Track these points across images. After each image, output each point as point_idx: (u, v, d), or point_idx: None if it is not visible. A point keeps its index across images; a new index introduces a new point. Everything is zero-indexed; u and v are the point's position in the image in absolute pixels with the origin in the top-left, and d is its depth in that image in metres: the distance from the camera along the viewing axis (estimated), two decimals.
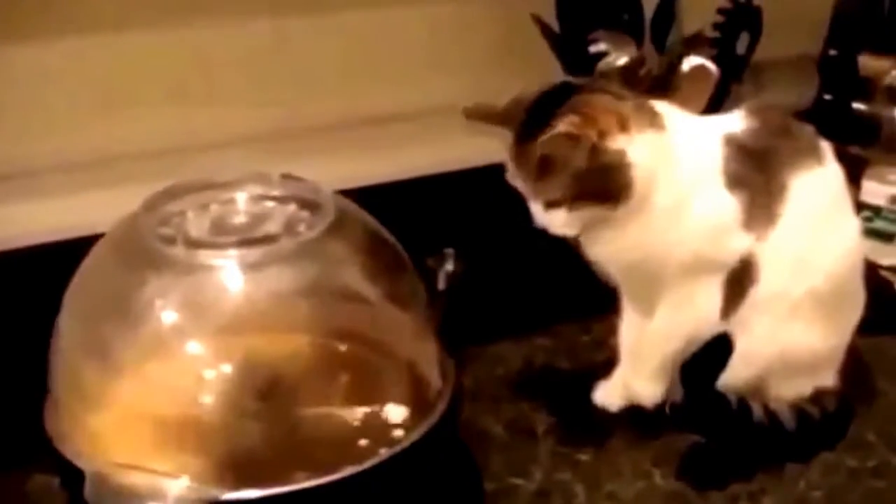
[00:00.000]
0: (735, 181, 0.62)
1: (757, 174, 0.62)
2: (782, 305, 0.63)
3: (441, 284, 0.66)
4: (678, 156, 0.61)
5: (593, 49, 0.80)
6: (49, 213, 0.77)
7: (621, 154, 0.59)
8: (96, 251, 0.61)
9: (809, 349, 0.65)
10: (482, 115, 0.63)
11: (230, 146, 0.81)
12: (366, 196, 0.68)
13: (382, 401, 0.59)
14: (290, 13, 0.82)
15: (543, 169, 0.60)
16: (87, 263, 0.60)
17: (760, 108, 0.65)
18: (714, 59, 0.83)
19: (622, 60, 0.81)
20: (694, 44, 0.82)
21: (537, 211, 0.62)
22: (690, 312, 0.64)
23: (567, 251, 0.87)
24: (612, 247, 0.63)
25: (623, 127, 0.59)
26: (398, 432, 0.57)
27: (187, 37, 0.79)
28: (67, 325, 0.59)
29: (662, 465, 0.64)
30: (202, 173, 0.64)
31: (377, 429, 0.57)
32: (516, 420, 0.69)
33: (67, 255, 0.61)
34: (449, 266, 0.67)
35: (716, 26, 0.85)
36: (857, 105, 0.94)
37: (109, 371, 0.58)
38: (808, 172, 0.63)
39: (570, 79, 0.63)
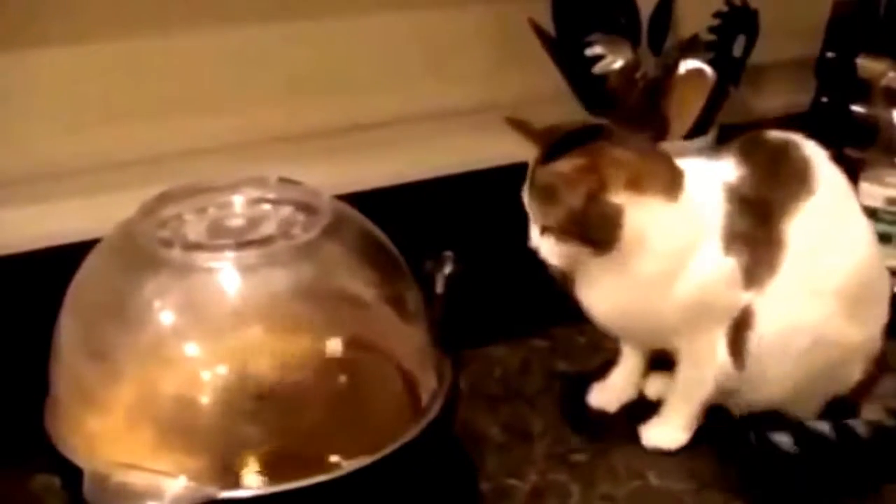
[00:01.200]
0: (735, 242, 0.62)
1: (757, 229, 0.62)
2: (794, 338, 0.63)
3: (439, 287, 0.66)
4: (681, 226, 0.61)
5: (589, 52, 0.81)
6: (48, 218, 0.77)
7: (618, 209, 0.60)
8: (95, 254, 0.61)
9: (834, 365, 0.65)
10: (522, 129, 0.65)
11: (228, 151, 0.81)
12: (365, 200, 0.68)
13: (378, 402, 0.60)
14: (287, 19, 0.83)
15: (546, 195, 0.62)
16: (87, 266, 0.61)
17: (751, 145, 0.65)
18: (710, 63, 0.84)
19: (618, 64, 0.81)
20: (690, 47, 0.82)
21: (534, 233, 0.64)
22: (713, 363, 0.64)
23: None
24: (601, 301, 0.65)
25: (633, 185, 0.60)
26: (393, 434, 0.57)
27: (184, 42, 0.80)
28: (67, 327, 0.59)
29: (657, 465, 0.65)
30: (200, 178, 0.64)
31: (373, 430, 0.57)
32: (512, 421, 0.69)
33: (67, 258, 0.61)
34: (447, 269, 0.67)
35: (712, 29, 0.85)
36: (854, 107, 0.94)
37: (108, 372, 0.58)
38: (802, 211, 0.63)
39: (605, 124, 0.63)
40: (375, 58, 0.87)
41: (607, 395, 0.71)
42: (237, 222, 0.61)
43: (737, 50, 0.85)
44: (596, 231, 0.61)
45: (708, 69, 0.84)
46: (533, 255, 0.86)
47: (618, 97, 0.82)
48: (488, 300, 0.80)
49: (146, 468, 0.52)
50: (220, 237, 0.59)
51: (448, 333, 0.64)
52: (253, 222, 0.61)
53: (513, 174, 0.92)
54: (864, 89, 0.90)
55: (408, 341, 0.63)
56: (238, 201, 0.63)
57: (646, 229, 0.61)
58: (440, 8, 0.87)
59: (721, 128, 0.84)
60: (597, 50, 0.81)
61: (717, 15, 0.85)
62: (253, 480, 0.54)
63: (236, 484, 0.53)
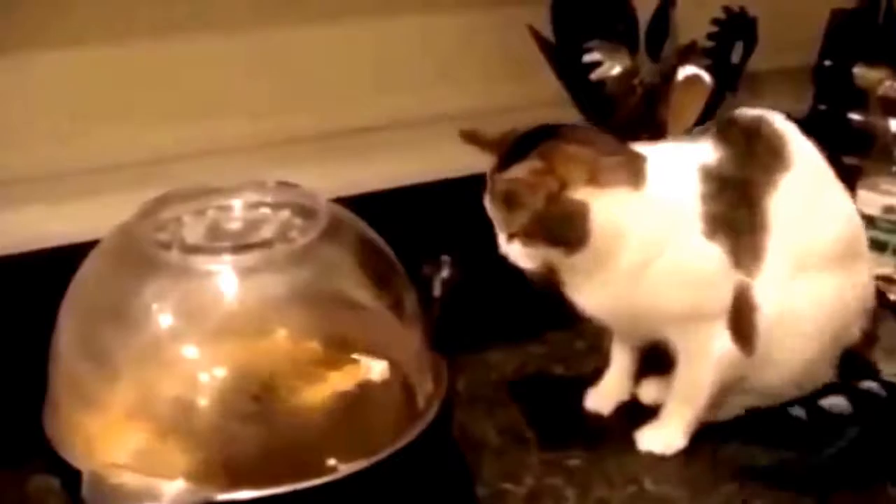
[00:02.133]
0: (716, 225, 0.61)
1: (738, 210, 0.62)
2: (797, 311, 0.63)
3: (436, 291, 0.67)
4: (653, 212, 0.61)
5: (587, 58, 0.81)
6: (47, 219, 0.78)
7: (583, 206, 0.60)
8: (94, 256, 0.62)
9: (838, 326, 0.65)
10: (475, 140, 0.65)
11: (227, 154, 0.82)
12: (363, 203, 0.68)
13: (375, 404, 0.60)
14: (287, 23, 0.83)
15: (508, 202, 0.62)
16: (85, 268, 0.61)
17: (726, 125, 0.65)
18: (708, 69, 0.84)
19: (616, 70, 0.81)
20: (688, 53, 0.83)
21: (501, 240, 0.64)
22: (711, 358, 0.64)
23: None
24: (592, 298, 0.64)
25: (592, 180, 0.60)
26: (390, 438, 0.57)
27: (184, 45, 0.80)
28: (66, 328, 0.60)
29: (653, 471, 0.65)
30: (199, 180, 0.65)
31: (369, 433, 0.58)
32: (509, 426, 0.69)
33: (66, 260, 0.62)
34: (444, 273, 0.67)
35: (710, 36, 0.85)
36: (851, 115, 0.94)
37: (107, 373, 0.59)
38: (780, 187, 0.63)
39: (555, 124, 0.63)
40: (374, 62, 0.87)
41: (601, 397, 0.71)
42: (236, 225, 0.62)
43: (735, 57, 0.85)
44: (563, 231, 0.60)
45: (706, 76, 0.84)
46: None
47: (615, 103, 0.82)
48: (485, 304, 0.80)
49: (144, 470, 0.53)
50: (218, 240, 0.60)
51: (445, 337, 0.64)
52: (251, 225, 0.62)
53: None
54: (861, 97, 0.91)
55: (405, 345, 0.63)
56: (237, 205, 0.64)
57: (615, 222, 0.60)
58: (439, 13, 0.87)
59: None
60: (595, 56, 0.81)
61: (715, 22, 0.85)
62: (249, 482, 0.54)
63: (233, 486, 0.53)
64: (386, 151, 0.88)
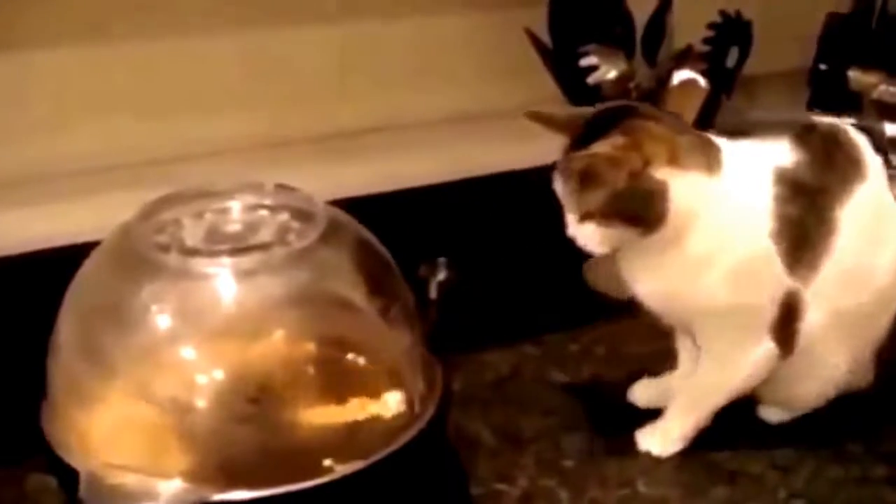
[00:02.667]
0: (784, 227, 0.61)
1: (809, 215, 0.62)
2: (837, 328, 0.64)
3: (433, 293, 0.67)
4: (726, 201, 0.61)
5: (584, 62, 0.81)
6: (47, 220, 0.78)
7: (663, 185, 0.59)
8: (93, 258, 0.62)
9: (873, 339, 0.66)
10: (544, 120, 0.63)
11: (225, 156, 0.82)
12: (361, 206, 0.69)
13: (371, 406, 0.60)
14: (284, 23, 0.83)
15: (584, 181, 0.60)
16: (85, 270, 0.61)
17: (805, 131, 0.64)
18: (704, 73, 0.84)
19: (612, 74, 0.81)
20: (684, 58, 0.83)
21: (571, 221, 0.62)
22: (734, 372, 0.64)
23: (558, 263, 0.89)
24: (648, 283, 0.63)
25: (673, 160, 0.59)
26: (386, 437, 0.58)
27: (182, 46, 0.80)
28: (64, 329, 0.60)
29: (647, 473, 0.65)
30: (198, 182, 0.65)
31: (366, 434, 0.59)
32: (504, 426, 0.70)
33: (65, 261, 0.62)
34: (441, 275, 0.67)
35: (706, 41, 0.86)
36: (846, 119, 0.95)
37: (105, 374, 0.59)
38: (854, 197, 0.63)
39: (631, 102, 0.63)
40: (370, 65, 0.87)
41: (652, 390, 0.71)
42: (234, 228, 0.62)
43: (730, 61, 0.85)
44: (642, 210, 0.59)
45: (701, 80, 0.84)
46: (527, 260, 0.88)
47: None
48: (481, 306, 0.80)
49: (141, 470, 0.53)
50: (217, 243, 0.60)
51: (441, 339, 0.64)
52: (250, 228, 0.62)
53: (506, 181, 0.93)
54: (856, 101, 0.91)
55: (401, 346, 0.64)
56: (235, 207, 0.64)
57: (692, 204, 0.60)
58: (437, 16, 0.87)
59: None
60: (591, 60, 0.81)
61: (710, 26, 0.85)
62: (246, 482, 0.54)
63: (230, 487, 0.53)
64: (383, 154, 0.88)
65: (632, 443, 0.68)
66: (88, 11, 0.76)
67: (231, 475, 0.55)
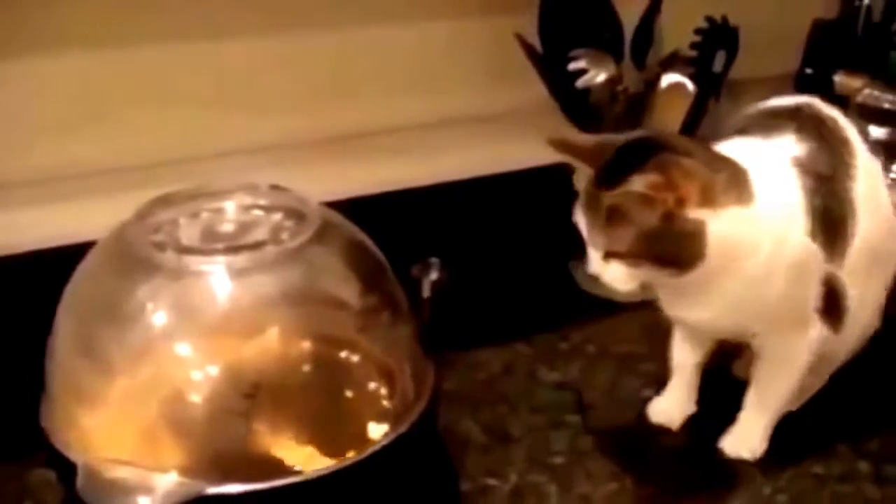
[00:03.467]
0: (816, 220, 0.60)
1: (832, 201, 0.61)
2: (867, 293, 0.65)
3: (425, 292, 0.67)
4: (763, 224, 0.59)
5: (573, 66, 0.82)
6: (46, 220, 0.79)
7: (700, 225, 0.56)
8: (91, 257, 0.63)
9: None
10: (567, 148, 0.61)
11: (220, 158, 0.83)
12: (355, 207, 0.70)
13: (363, 402, 0.62)
14: (281, 30, 0.84)
15: (612, 218, 0.57)
16: (83, 268, 0.62)
17: (801, 117, 0.63)
18: (692, 77, 0.85)
19: (601, 77, 0.82)
20: (672, 62, 0.84)
21: (594, 258, 0.59)
22: (795, 361, 0.64)
23: (548, 263, 0.90)
24: (697, 313, 0.62)
25: (708, 199, 0.56)
26: (378, 433, 0.59)
27: (179, 49, 0.81)
28: (63, 326, 0.61)
29: (635, 469, 0.66)
30: (195, 183, 0.66)
31: (358, 429, 0.60)
32: (494, 423, 0.71)
33: (64, 260, 0.63)
34: (433, 275, 0.68)
35: (693, 45, 0.87)
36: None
37: (102, 370, 0.60)
38: (859, 174, 0.63)
39: (661, 134, 0.60)
40: (363, 69, 0.88)
41: (669, 410, 0.70)
42: (229, 227, 0.63)
43: (717, 65, 0.86)
44: (676, 251, 0.56)
45: (689, 83, 0.85)
46: (518, 260, 0.89)
47: (601, 110, 0.84)
48: (473, 306, 0.81)
49: (138, 464, 0.54)
50: (212, 242, 0.61)
51: (433, 338, 0.65)
52: (244, 228, 0.63)
53: (497, 184, 0.94)
54: (842, 104, 0.92)
55: (393, 344, 0.65)
56: (230, 207, 0.65)
57: (729, 240, 0.57)
58: (430, 21, 0.88)
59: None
60: (580, 64, 0.82)
61: (698, 31, 0.86)
62: (239, 476, 0.55)
63: (224, 480, 0.54)
64: (376, 157, 0.89)
65: (622, 440, 0.69)
66: (91, 16, 0.77)
67: (225, 469, 0.56)
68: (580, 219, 0.60)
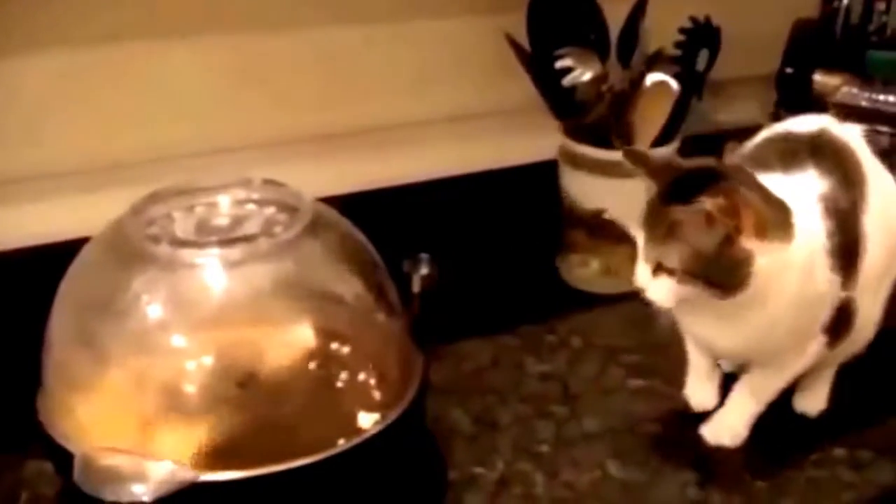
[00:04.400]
0: (836, 256, 0.63)
1: (848, 234, 0.64)
2: (876, 301, 0.68)
3: (415, 287, 0.68)
4: (798, 264, 0.61)
5: (559, 65, 0.84)
6: (43, 217, 0.79)
7: (749, 255, 0.59)
8: (87, 250, 0.63)
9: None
10: (638, 160, 0.64)
11: (216, 154, 0.83)
12: (348, 202, 0.70)
13: (353, 392, 0.63)
14: (278, 28, 0.84)
15: (672, 234, 0.59)
16: (79, 262, 0.63)
17: (817, 149, 0.65)
18: (675, 76, 0.87)
19: (587, 76, 0.84)
20: (656, 61, 0.85)
21: (643, 272, 0.61)
22: (791, 367, 0.67)
23: (535, 257, 0.92)
24: (726, 340, 0.65)
25: (760, 231, 0.59)
26: (368, 423, 0.60)
27: (178, 46, 0.82)
28: (59, 319, 0.61)
29: (618, 457, 0.68)
30: (189, 179, 0.67)
31: (348, 418, 0.61)
32: (482, 413, 0.72)
33: (60, 255, 0.63)
34: (423, 270, 0.69)
35: (677, 45, 0.88)
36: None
37: (98, 361, 0.60)
38: (870, 202, 0.65)
39: (729, 164, 0.63)
40: (354, 67, 0.88)
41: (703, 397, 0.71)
42: (223, 221, 0.64)
43: (700, 64, 0.87)
44: (726, 275, 0.59)
45: (673, 82, 0.86)
46: (506, 255, 0.90)
47: (586, 108, 0.85)
48: (462, 299, 0.82)
49: (133, 452, 0.55)
50: (206, 235, 0.62)
51: (423, 330, 0.66)
52: (238, 221, 0.63)
53: (486, 180, 0.95)
54: (821, 103, 0.94)
55: (384, 336, 0.66)
56: (224, 201, 0.65)
57: (772, 272, 0.60)
58: (419, 20, 0.89)
59: (684, 138, 0.87)
60: (567, 62, 0.83)
61: (682, 31, 0.88)
62: (233, 464, 0.56)
63: (218, 468, 0.55)
64: (366, 154, 0.89)
65: (605, 429, 0.70)
66: (86, 12, 0.77)
67: (219, 456, 0.57)
68: (638, 232, 0.62)
